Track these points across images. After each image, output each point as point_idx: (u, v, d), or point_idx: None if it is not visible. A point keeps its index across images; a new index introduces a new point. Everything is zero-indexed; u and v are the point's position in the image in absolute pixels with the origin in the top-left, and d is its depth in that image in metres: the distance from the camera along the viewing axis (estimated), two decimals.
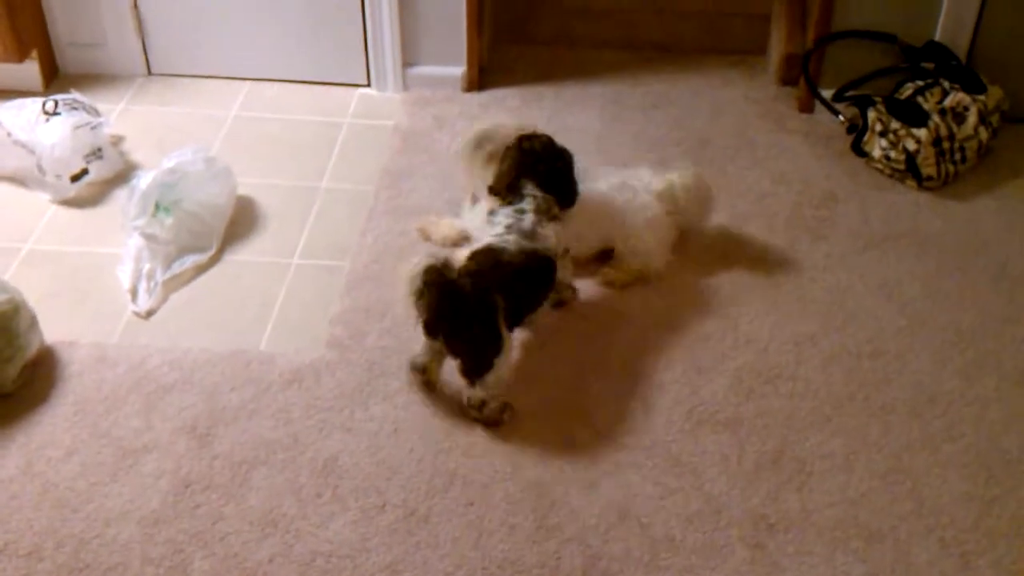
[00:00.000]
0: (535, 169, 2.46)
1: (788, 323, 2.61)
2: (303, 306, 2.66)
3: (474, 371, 2.28)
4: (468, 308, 2.23)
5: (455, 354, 2.30)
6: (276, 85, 3.45)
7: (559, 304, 2.62)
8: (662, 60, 3.58)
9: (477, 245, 2.37)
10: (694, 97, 3.42)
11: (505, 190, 2.47)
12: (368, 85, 3.46)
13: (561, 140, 3.18)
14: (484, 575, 2.06)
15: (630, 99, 3.41)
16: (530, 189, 2.43)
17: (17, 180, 3.02)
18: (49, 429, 2.33)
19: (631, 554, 2.10)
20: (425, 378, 2.40)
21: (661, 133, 3.26)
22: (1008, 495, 2.22)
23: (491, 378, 2.28)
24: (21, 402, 2.39)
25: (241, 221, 2.91)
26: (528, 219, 2.39)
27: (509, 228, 2.38)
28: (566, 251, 2.51)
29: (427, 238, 2.83)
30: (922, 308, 2.66)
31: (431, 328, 2.27)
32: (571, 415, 2.38)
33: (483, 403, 2.32)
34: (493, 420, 2.34)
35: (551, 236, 2.40)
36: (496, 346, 2.26)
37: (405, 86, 3.43)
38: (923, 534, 2.14)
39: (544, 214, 2.42)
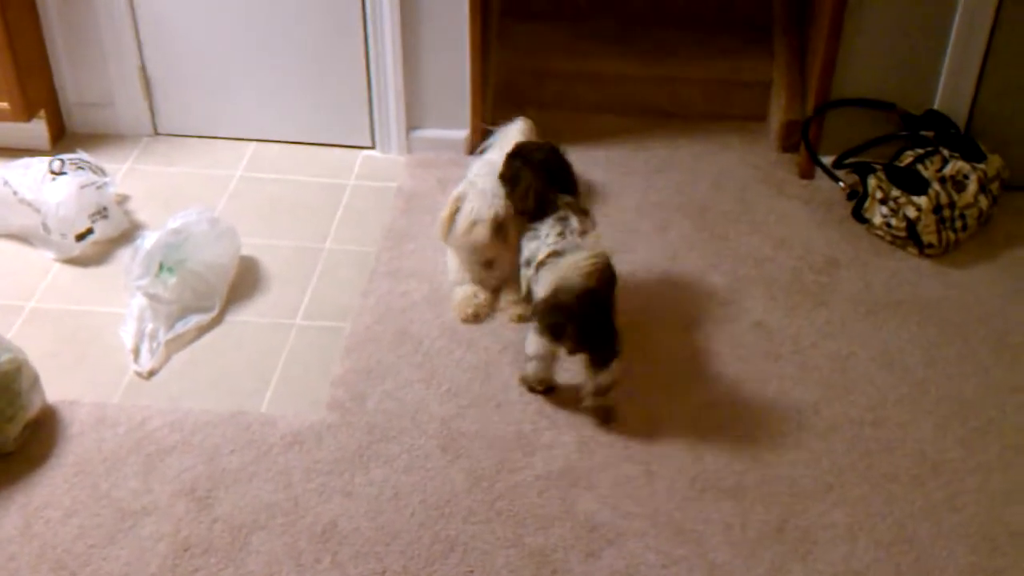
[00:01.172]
0: (544, 168, 2.67)
1: (789, 390, 2.61)
2: (304, 368, 2.66)
3: (605, 361, 2.42)
4: (602, 312, 2.42)
5: (585, 351, 2.43)
6: (281, 146, 3.48)
7: None
8: (664, 126, 3.61)
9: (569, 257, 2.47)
10: (696, 162, 3.45)
11: (534, 205, 2.63)
12: (372, 147, 3.49)
13: None
14: None
15: (632, 164, 3.44)
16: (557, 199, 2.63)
17: (22, 238, 3.03)
18: (48, 490, 2.32)
19: None
20: (545, 386, 2.56)
21: (663, 198, 3.28)
22: (1013, 566, 2.20)
23: (615, 364, 2.42)
24: (21, 462, 2.38)
25: (244, 282, 2.91)
26: (573, 222, 2.56)
27: (561, 236, 2.54)
28: None
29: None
30: (923, 376, 2.66)
31: (560, 333, 2.42)
32: (573, 482, 2.37)
33: (609, 387, 2.46)
34: (612, 408, 2.50)
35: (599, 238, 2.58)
36: (617, 335, 2.42)
37: (409, 148, 3.46)
38: None
39: (580, 215, 2.60)
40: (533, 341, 2.48)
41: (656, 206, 3.24)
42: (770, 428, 2.51)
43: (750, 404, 2.57)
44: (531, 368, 2.54)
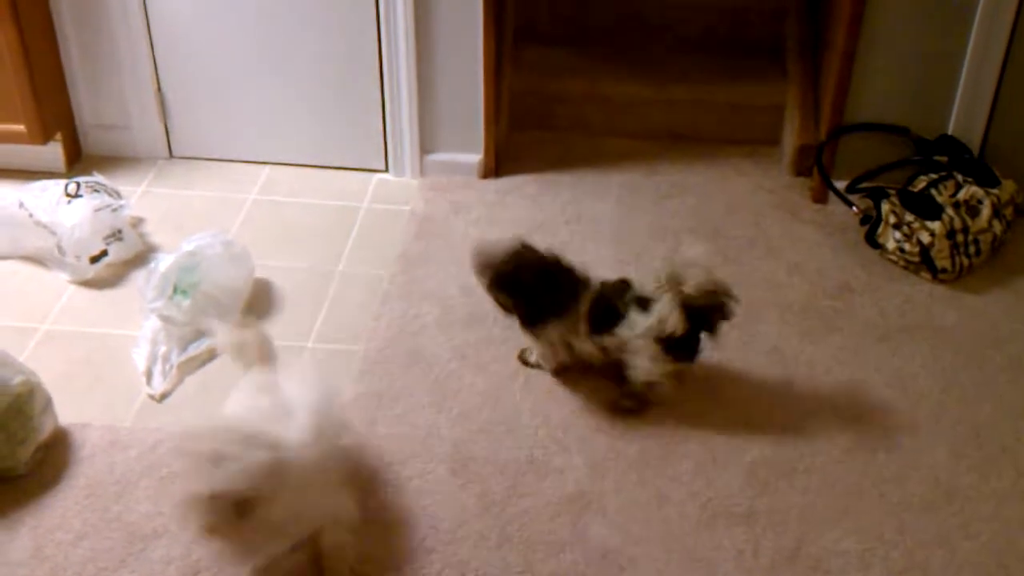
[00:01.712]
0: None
1: (803, 415, 2.60)
2: None
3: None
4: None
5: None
6: (295, 169, 3.50)
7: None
8: (677, 150, 3.61)
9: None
10: (709, 186, 3.45)
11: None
12: (386, 171, 3.50)
13: (577, 228, 3.21)
14: None
15: (645, 188, 3.44)
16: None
17: (37, 260, 3.05)
18: (60, 512, 2.32)
19: None
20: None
21: (676, 222, 3.28)
22: None
23: None
24: (33, 484, 2.38)
25: (258, 304, 2.92)
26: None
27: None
28: None
29: None
30: (937, 402, 2.65)
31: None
32: (584, 507, 2.36)
33: None
34: None
35: None
36: None
37: (423, 172, 3.47)
38: None
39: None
40: (653, 370, 2.52)
41: (669, 230, 3.24)
42: (782, 453, 2.49)
43: (762, 429, 2.56)
44: (655, 390, 2.58)
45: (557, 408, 2.59)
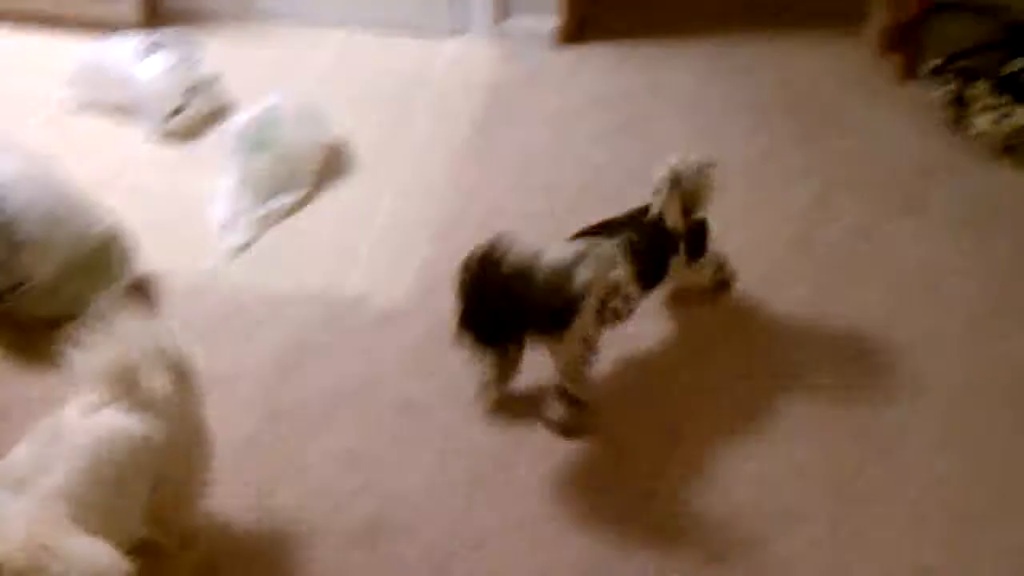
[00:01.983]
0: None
1: (875, 297, 2.58)
2: (391, 251, 2.68)
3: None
4: None
5: None
6: (370, 32, 3.46)
7: None
8: (761, 23, 3.52)
9: None
10: (791, 61, 3.37)
11: None
12: (460, 36, 3.45)
13: (653, 98, 3.15)
14: None
15: (727, 60, 3.37)
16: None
17: (116, 114, 3.07)
18: None
19: None
20: None
21: (754, 96, 3.22)
22: None
23: None
24: None
25: (332, 164, 2.93)
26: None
27: None
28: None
29: None
30: (1016, 290, 2.60)
31: None
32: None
33: None
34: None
35: None
36: None
37: (498, 38, 3.42)
38: None
39: None
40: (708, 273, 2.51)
41: (746, 107, 3.18)
42: (856, 333, 2.48)
43: (835, 310, 2.54)
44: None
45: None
